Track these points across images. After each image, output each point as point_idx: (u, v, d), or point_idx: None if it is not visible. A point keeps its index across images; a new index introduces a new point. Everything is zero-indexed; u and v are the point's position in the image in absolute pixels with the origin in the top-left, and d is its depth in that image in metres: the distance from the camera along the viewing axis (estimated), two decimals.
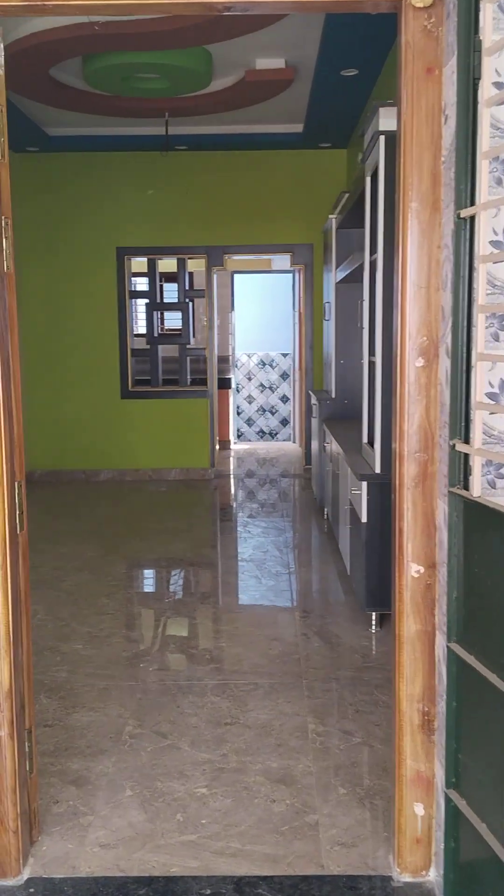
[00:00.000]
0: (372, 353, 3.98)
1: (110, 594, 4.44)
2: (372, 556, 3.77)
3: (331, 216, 6.05)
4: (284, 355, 11.03)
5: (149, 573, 5.01)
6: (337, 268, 5.96)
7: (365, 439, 4.16)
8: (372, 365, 3.99)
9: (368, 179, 4.01)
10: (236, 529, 6.02)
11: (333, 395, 6.14)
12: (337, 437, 5.09)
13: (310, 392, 7.27)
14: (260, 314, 11.01)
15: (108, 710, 3.07)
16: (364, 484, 3.75)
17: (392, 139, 3.51)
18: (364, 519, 3.79)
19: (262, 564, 4.99)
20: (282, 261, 10.39)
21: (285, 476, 8.22)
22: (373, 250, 3.94)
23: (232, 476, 8.30)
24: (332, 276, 6.07)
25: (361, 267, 4.92)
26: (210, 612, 4.23)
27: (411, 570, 2.04)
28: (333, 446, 5.27)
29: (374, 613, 3.86)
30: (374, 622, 3.87)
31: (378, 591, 3.77)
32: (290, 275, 10.69)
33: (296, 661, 3.50)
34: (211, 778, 2.60)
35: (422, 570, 2.04)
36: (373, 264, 3.92)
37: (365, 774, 2.63)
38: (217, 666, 3.47)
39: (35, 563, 4.97)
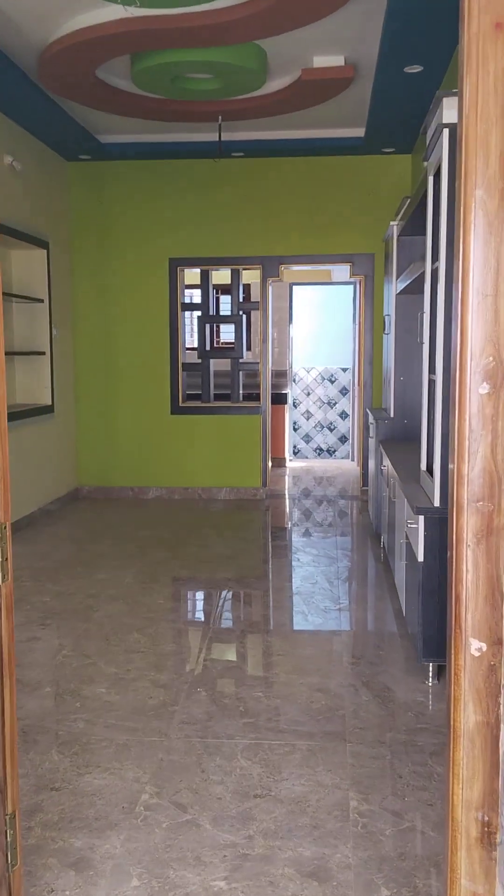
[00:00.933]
0: (432, 370, 3.58)
1: (143, 628, 4.11)
2: (429, 600, 3.36)
3: (392, 223, 5.65)
4: (344, 370, 10.63)
5: (187, 606, 4.67)
6: (397, 278, 5.56)
7: (423, 466, 3.75)
8: (432, 384, 3.59)
9: (431, 179, 3.62)
10: (285, 556, 5.65)
11: (392, 414, 5.73)
12: (394, 460, 4.69)
13: (367, 410, 6.86)
14: (319, 327, 10.64)
15: (125, 773, 2.73)
16: (421, 519, 3.35)
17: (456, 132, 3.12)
18: (420, 557, 3.38)
19: (310, 598, 4.61)
20: (342, 272, 10.01)
21: (341, 497, 7.82)
22: (434, 257, 3.54)
23: (285, 496, 7.93)
24: (393, 287, 5.67)
25: (423, 277, 4.52)
26: (249, 654, 3.87)
27: (471, 647, 1.64)
28: (390, 470, 4.86)
29: (431, 664, 3.44)
30: (431, 674, 3.45)
31: (435, 640, 3.35)
32: (350, 286, 10.30)
33: (340, 719, 3.10)
34: (232, 867, 2.23)
35: (484, 647, 1.64)
36: (434, 273, 3.53)
37: (414, 872, 2.22)
38: (251, 721, 3.10)
39: (69, 590, 4.69)
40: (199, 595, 4.80)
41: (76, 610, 4.43)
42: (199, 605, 4.60)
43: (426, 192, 4.10)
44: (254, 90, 5.49)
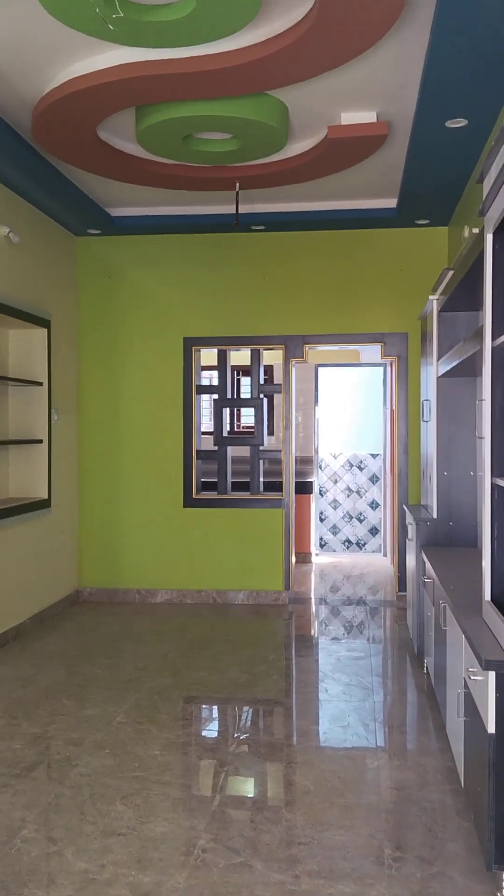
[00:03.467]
0: (499, 472, 2.79)
1: (130, 796, 3.25)
2: (502, 788, 2.49)
3: (431, 297, 4.96)
4: (374, 456, 9.86)
5: (188, 762, 3.79)
6: (439, 359, 4.84)
7: (487, 595, 2.92)
8: (498, 491, 2.80)
9: (489, 238, 2.91)
10: (311, 686, 4.76)
11: (435, 515, 4.92)
12: (441, 574, 3.86)
13: (405, 507, 6.04)
14: (347, 411, 9.93)
15: None
16: (492, 676, 2.51)
17: None
18: (491, 727, 2.52)
19: (340, 753, 3.72)
20: (371, 352, 9.36)
21: (375, 603, 6.93)
22: (498, 331, 2.80)
23: (311, 600, 7.07)
24: (433, 370, 4.94)
25: (474, 357, 3.78)
26: (262, 841, 2.98)
27: None
28: (436, 586, 4.03)
29: None
30: None
31: None
32: (381, 368, 9.63)
33: None
34: None
35: None
36: (500, 351, 2.78)
37: None
38: None
39: (47, 732, 3.86)
40: (203, 746, 3.92)
41: (51, 763, 3.58)
42: (203, 762, 3.71)
43: (480, 257, 3.41)
44: (274, 152, 4.90)
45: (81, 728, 3.98)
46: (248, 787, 3.41)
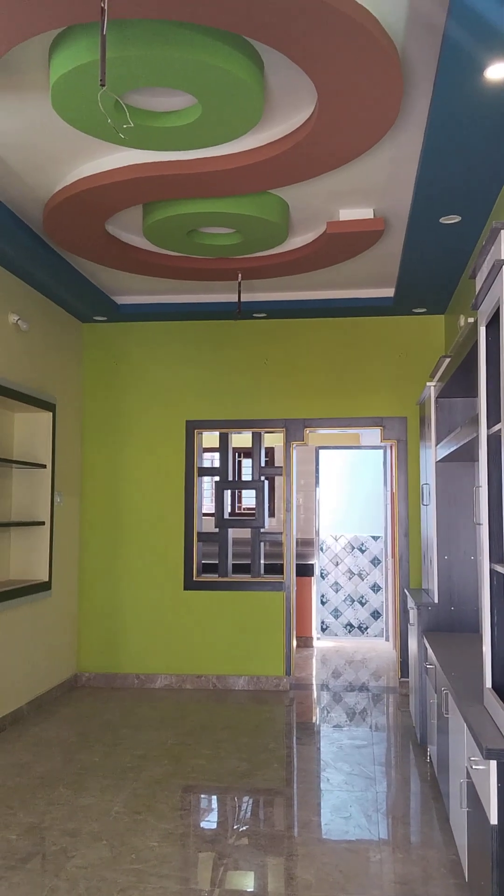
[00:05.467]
0: (497, 558, 2.83)
1: (126, 890, 3.16)
2: None
3: (429, 384, 5.08)
4: (375, 538, 9.86)
5: (184, 856, 3.70)
6: (437, 444, 4.92)
7: (488, 682, 2.92)
8: (497, 577, 2.83)
9: (483, 330, 3.02)
10: (312, 775, 4.67)
11: (436, 600, 4.92)
12: (443, 660, 3.84)
13: (406, 591, 6.03)
14: (348, 493, 9.98)
15: None
16: (493, 765, 2.49)
17: None
18: (493, 819, 2.49)
19: (342, 846, 3.64)
20: (372, 435, 9.48)
21: (377, 689, 6.84)
22: (493, 419, 2.88)
23: (313, 686, 6.97)
24: (432, 454, 5.02)
25: (472, 443, 3.87)
26: None
27: None
28: (438, 672, 4.01)
29: None
30: None
31: None
32: (381, 450, 9.73)
33: None
34: None
35: None
36: (494, 438, 2.86)
37: None
38: None
39: (43, 822, 3.78)
40: (202, 837, 3.83)
41: (47, 855, 3.50)
42: (201, 854, 3.62)
43: (475, 346, 3.52)
44: (275, 245, 5.10)
45: (78, 818, 3.90)
46: (247, 882, 3.32)
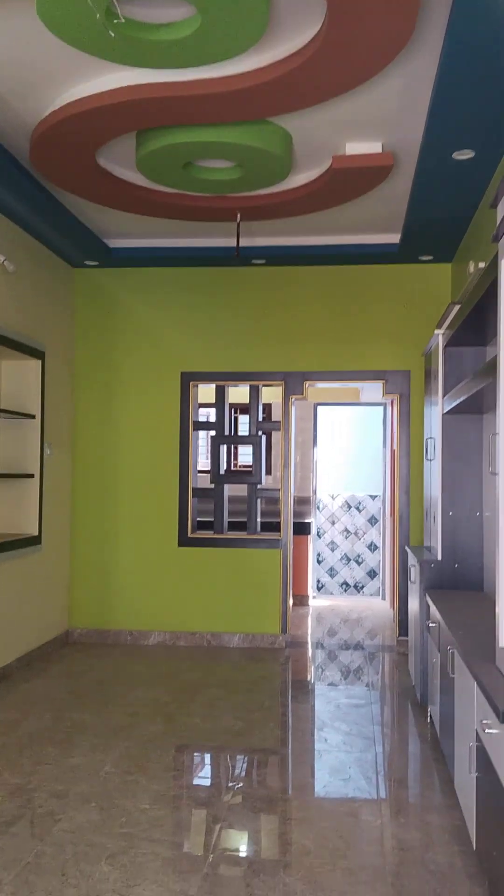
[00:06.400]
0: None
1: (116, 855, 3.01)
2: None
3: (437, 331, 4.84)
4: (373, 497, 9.69)
5: (178, 817, 3.54)
6: (444, 396, 4.69)
7: (501, 642, 2.73)
8: None
9: (503, 264, 2.78)
10: (309, 734, 4.52)
11: (439, 557, 4.73)
12: (448, 619, 3.67)
13: (407, 549, 5.85)
14: (346, 451, 9.78)
15: None
16: None
17: None
18: None
19: (341, 809, 3.49)
20: (372, 391, 9.24)
21: (374, 648, 6.70)
22: None
23: (308, 644, 6.83)
24: (438, 407, 4.80)
25: (482, 393, 3.64)
26: None
27: None
28: (443, 630, 3.83)
29: None
30: None
31: None
32: (381, 407, 9.51)
33: None
34: None
35: None
36: None
37: None
38: None
39: (30, 783, 3.63)
40: (196, 799, 3.67)
41: (33, 818, 3.34)
42: (194, 816, 3.46)
43: (486, 292, 3.28)
44: (277, 181, 4.81)
45: (66, 779, 3.74)
46: (242, 846, 3.17)
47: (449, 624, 3.60)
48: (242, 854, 3.10)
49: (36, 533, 5.90)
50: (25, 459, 5.90)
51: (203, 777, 3.91)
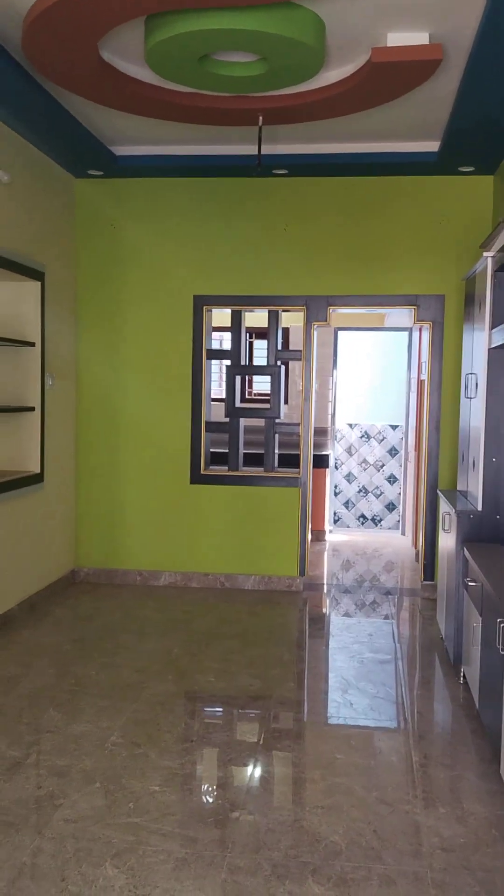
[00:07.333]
0: None
1: (122, 854, 2.68)
2: None
3: (486, 254, 4.28)
4: (394, 427, 9.22)
5: (190, 803, 3.21)
6: (493, 327, 4.17)
7: None
8: None
9: None
10: (334, 695, 4.18)
11: (479, 507, 4.30)
12: (493, 580, 3.26)
13: (439, 493, 5.42)
14: (367, 379, 9.26)
15: None
16: None
17: None
18: None
19: (373, 796, 3.15)
20: (397, 316, 8.67)
21: (397, 590, 6.36)
22: None
23: (325, 586, 6.49)
24: (484, 339, 4.28)
25: None
26: None
27: None
28: (488, 599, 3.43)
29: None
30: None
31: None
32: (405, 333, 8.94)
33: None
34: None
35: None
36: None
37: None
38: None
39: (28, 757, 3.28)
40: (211, 780, 3.33)
41: (30, 803, 3.01)
42: (209, 805, 3.12)
43: None
44: (307, 78, 4.17)
45: (69, 752, 3.41)
46: (265, 842, 2.83)
47: (496, 585, 3.19)
48: (265, 852, 2.76)
49: (38, 470, 5.49)
50: (25, 391, 5.44)
51: (216, 750, 3.57)
